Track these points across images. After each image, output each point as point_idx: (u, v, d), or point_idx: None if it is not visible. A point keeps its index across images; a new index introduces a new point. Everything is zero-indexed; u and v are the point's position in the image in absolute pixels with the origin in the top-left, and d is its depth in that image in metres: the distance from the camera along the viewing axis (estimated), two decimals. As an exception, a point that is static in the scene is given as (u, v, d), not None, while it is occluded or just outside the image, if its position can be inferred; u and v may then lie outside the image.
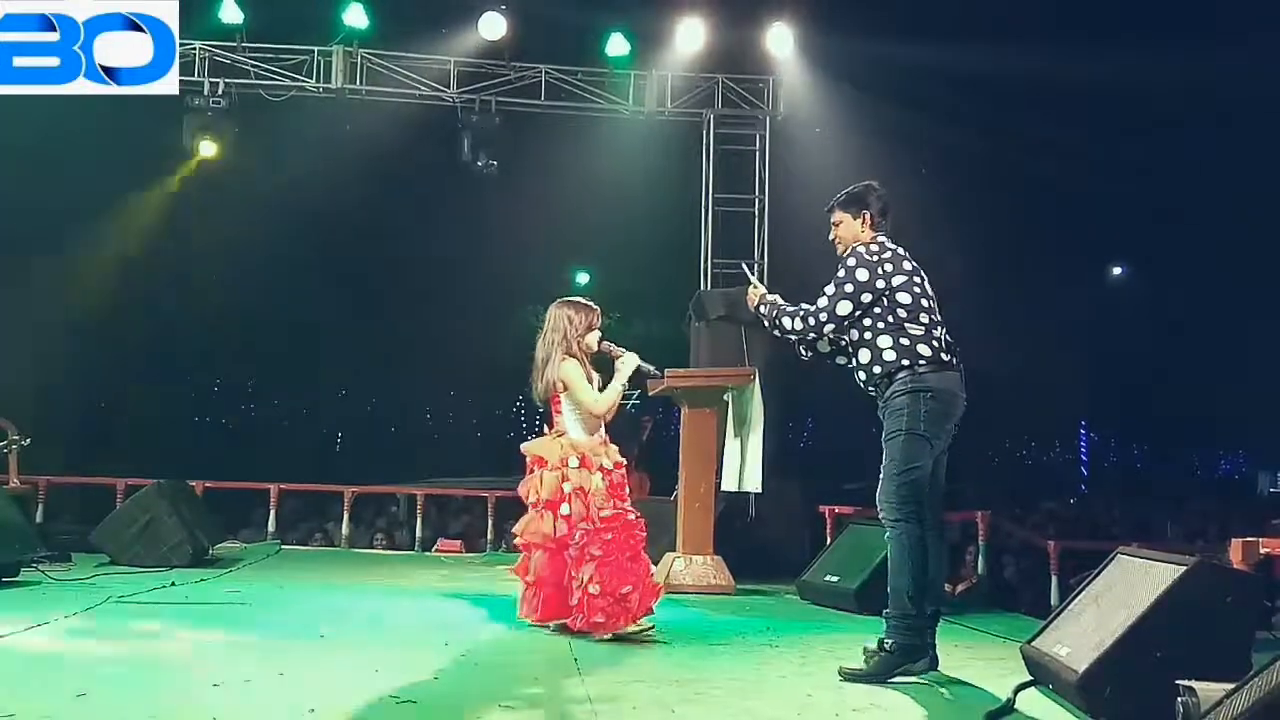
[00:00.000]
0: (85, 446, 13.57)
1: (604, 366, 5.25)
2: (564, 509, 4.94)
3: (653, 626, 4.98)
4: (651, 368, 5.39)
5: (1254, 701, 2.22)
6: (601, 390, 5.14)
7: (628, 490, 5.23)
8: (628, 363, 5.19)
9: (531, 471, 5.14)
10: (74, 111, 8.64)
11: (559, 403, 5.13)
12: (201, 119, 10.30)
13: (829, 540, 7.82)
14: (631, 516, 5.05)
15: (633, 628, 4.89)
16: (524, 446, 5.25)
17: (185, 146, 10.54)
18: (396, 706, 3.31)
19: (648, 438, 9.89)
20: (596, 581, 4.82)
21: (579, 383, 5.11)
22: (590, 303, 5.30)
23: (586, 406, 5.10)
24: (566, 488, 4.96)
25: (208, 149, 10.60)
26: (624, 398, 5.47)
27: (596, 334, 5.22)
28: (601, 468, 5.04)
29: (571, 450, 5.03)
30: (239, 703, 3.28)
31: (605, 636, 4.80)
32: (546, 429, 5.27)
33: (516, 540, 5.17)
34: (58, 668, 3.76)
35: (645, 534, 5.13)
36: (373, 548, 10.07)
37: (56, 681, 3.48)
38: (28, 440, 7.60)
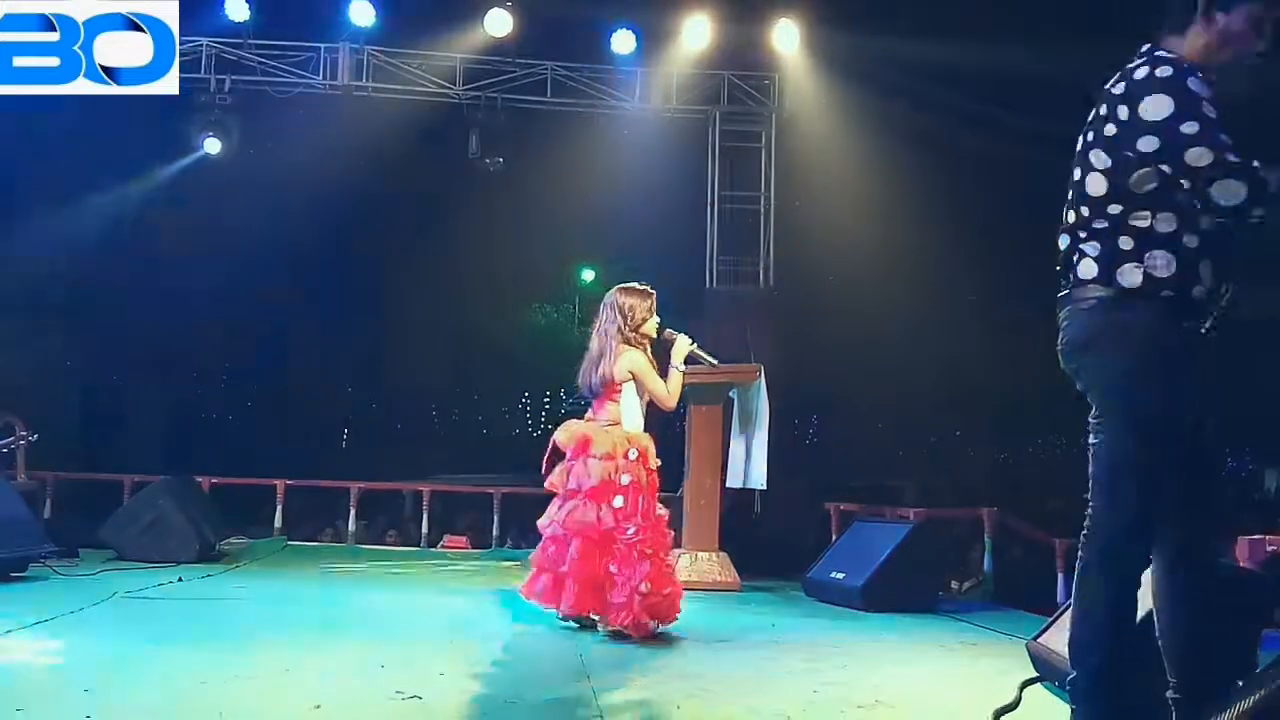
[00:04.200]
0: (92, 442, 13.61)
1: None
2: (617, 501, 4.77)
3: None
4: (705, 354, 5.25)
5: (1259, 700, 2.21)
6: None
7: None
8: (680, 346, 5.07)
9: (559, 453, 4.97)
10: (77, 106, 8.65)
11: (615, 392, 4.98)
12: (207, 115, 10.32)
13: (834, 537, 7.83)
14: (667, 518, 5.01)
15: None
16: (572, 426, 5.03)
17: (191, 143, 10.57)
18: (402, 703, 3.31)
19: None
20: (649, 580, 4.71)
21: (651, 372, 4.97)
22: (647, 287, 5.15)
23: (660, 398, 4.98)
24: (624, 479, 4.80)
25: (213, 145, 10.62)
26: None
27: (655, 320, 5.09)
28: (649, 467, 4.94)
29: (629, 443, 4.89)
30: (245, 698, 3.29)
31: (647, 636, 4.72)
32: (592, 414, 5.06)
33: (550, 525, 4.92)
34: (64, 663, 3.77)
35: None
36: (379, 544, 10.08)
37: (63, 677, 3.49)
38: (35, 436, 7.62)
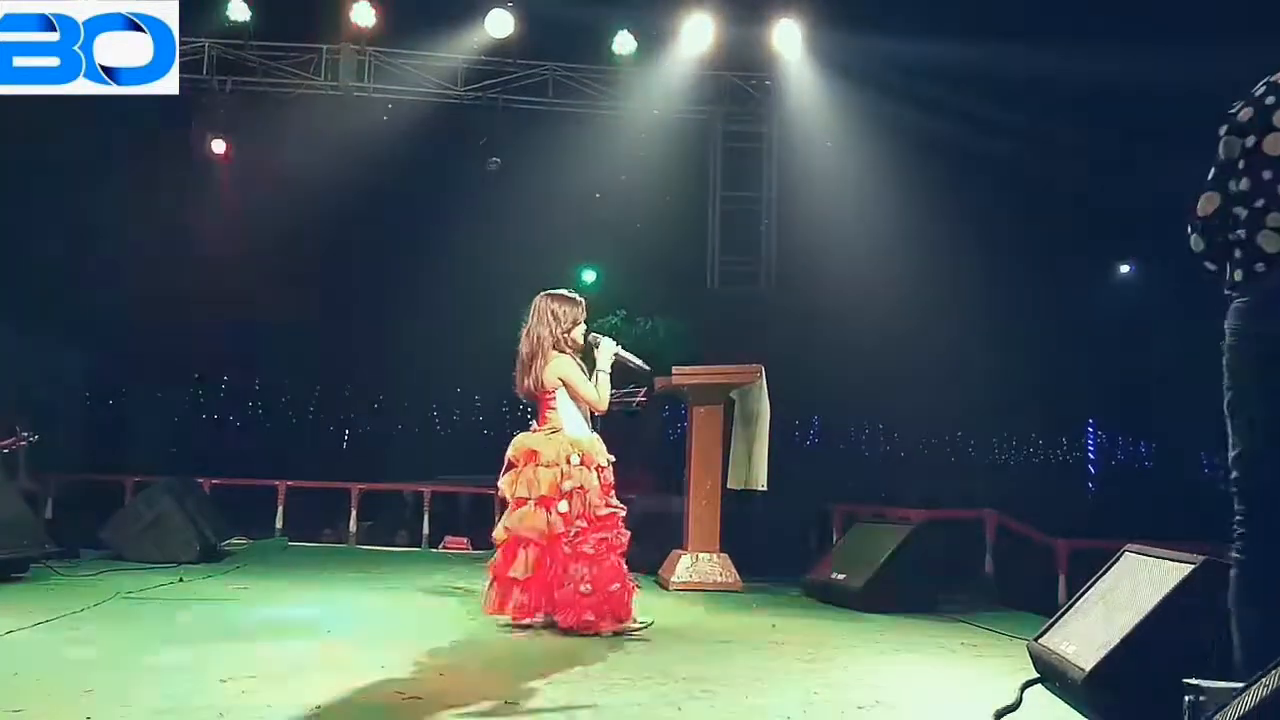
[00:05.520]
0: (94, 443, 13.61)
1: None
2: (561, 505, 4.87)
3: (651, 622, 4.99)
4: (633, 357, 5.32)
5: (1262, 700, 2.21)
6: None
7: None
8: (605, 350, 5.16)
9: (514, 466, 5.05)
10: (79, 107, 8.65)
11: (550, 398, 5.07)
12: (209, 116, 10.34)
13: (835, 538, 7.82)
14: (621, 515, 5.05)
15: (634, 624, 4.90)
16: (518, 440, 5.12)
17: (193, 143, 10.58)
18: (402, 703, 3.31)
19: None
20: (588, 580, 4.81)
21: (580, 378, 5.07)
22: (575, 294, 5.25)
23: (590, 402, 5.07)
24: (567, 485, 4.89)
25: (217, 147, 10.63)
26: (629, 398, 5.46)
27: (582, 327, 5.19)
28: (597, 466, 5.01)
29: (571, 447, 4.97)
30: (246, 699, 3.28)
31: (605, 633, 4.78)
32: (536, 424, 5.19)
33: (502, 535, 5.00)
34: (65, 664, 3.77)
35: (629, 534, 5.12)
36: (389, 545, 10.08)
37: (63, 677, 3.49)
38: (36, 437, 7.62)
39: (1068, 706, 3.52)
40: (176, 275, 14.44)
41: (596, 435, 5.13)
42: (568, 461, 4.93)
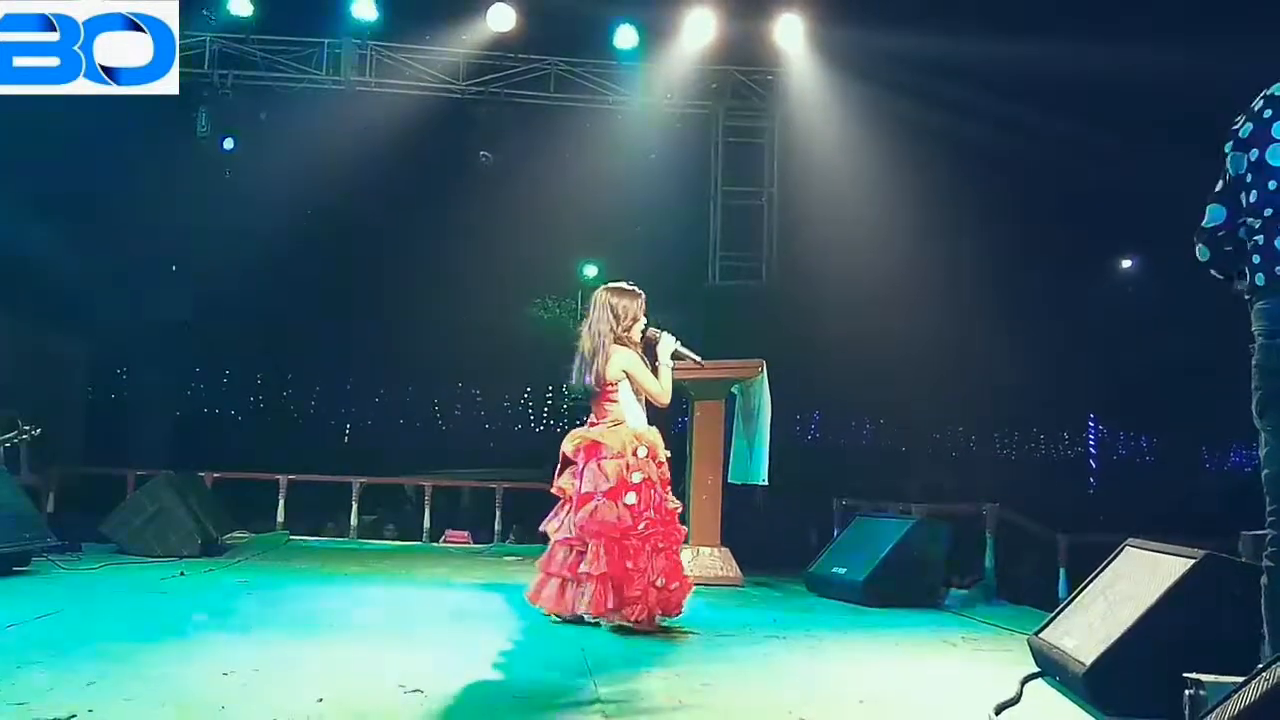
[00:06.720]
0: (95, 437, 13.63)
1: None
2: (629, 498, 4.80)
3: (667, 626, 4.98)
4: (689, 351, 5.31)
5: (1262, 695, 2.21)
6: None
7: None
8: (665, 344, 5.14)
9: (569, 462, 5.00)
10: (82, 103, 8.65)
11: (611, 392, 5.03)
12: (211, 110, 10.34)
13: (836, 532, 7.83)
14: (680, 511, 5.04)
15: (658, 627, 4.88)
16: (576, 434, 5.05)
17: (195, 138, 10.57)
18: (404, 696, 3.31)
19: None
20: (663, 574, 4.79)
21: (644, 372, 5.05)
22: (636, 288, 5.21)
23: (655, 395, 5.06)
24: (636, 477, 4.84)
25: (227, 143, 10.65)
26: None
27: (643, 322, 5.16)
28: (659, 460, 4.97)
29: (637, 440, 4.93)
30: (248, 692, 3.29)
31: (655, 629, 4.77)
32: (594, 418, 5.11)
33: (561, 530, 4.93)
34: (67, 656, 3.77)
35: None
36: (381, 538, 10.09)
37: (66, 670, 3.50)
38: (38, 430, 7.63)
39: (1068, 701, 3.52)
40: (178, 269, 14.45)
41: (656, 429, 5.08)
42: (635, 454, 4.89)
